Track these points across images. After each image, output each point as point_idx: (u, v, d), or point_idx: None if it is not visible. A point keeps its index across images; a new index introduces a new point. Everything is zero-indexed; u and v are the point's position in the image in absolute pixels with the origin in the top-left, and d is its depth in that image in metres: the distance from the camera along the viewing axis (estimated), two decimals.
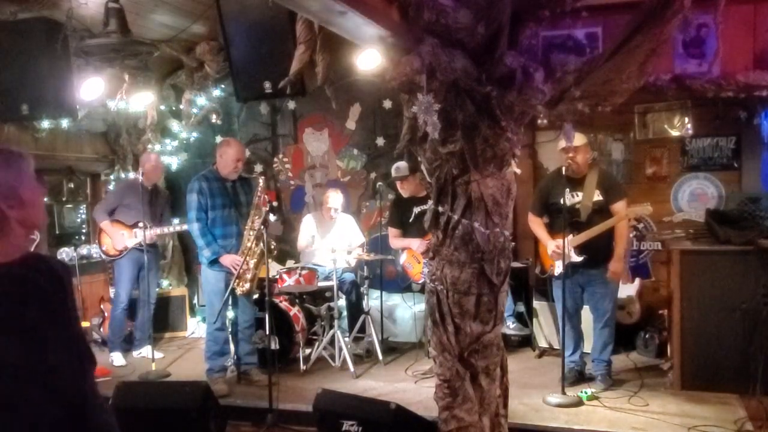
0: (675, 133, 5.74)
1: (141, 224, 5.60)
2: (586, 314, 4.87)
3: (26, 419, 1.59)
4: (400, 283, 5.75)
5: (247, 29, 5.33)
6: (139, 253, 5.64)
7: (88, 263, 5.90)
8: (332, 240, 5.76)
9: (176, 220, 6.07)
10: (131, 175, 5.91)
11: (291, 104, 6.81)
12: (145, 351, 5.74)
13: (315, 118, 6.81)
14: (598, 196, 4.61)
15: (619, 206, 4.58)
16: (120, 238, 5.65)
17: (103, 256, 5.88)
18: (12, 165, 1.64)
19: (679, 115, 5.69)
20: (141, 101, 6.22)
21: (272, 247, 4.68)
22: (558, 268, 4.67)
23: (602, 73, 2.99)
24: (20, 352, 1.57)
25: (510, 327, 5.57)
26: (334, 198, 5.87)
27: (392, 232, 5.61)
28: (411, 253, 5.43)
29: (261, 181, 4.92)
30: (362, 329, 5.54)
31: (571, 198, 4.61)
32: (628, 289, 5.37)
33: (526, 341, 5.73)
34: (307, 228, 5.99)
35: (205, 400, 3.86)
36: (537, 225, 4.92)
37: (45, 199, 6.23)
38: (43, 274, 1.65)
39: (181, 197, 5.19)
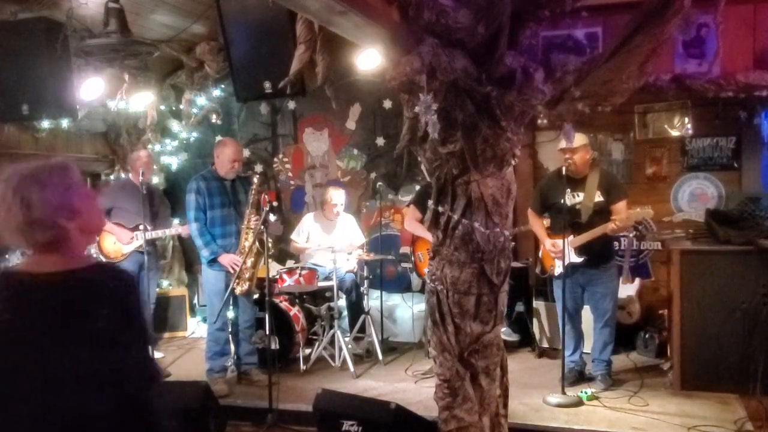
0: (675, 133, 5.74)
1: (141, 226, 5.58)
2: (587, 314, 4.87)
3: (88, 422, 1.61)
4: (403, 268, 5.59)
5: (247, 29, 5.32)
6: (139, 255, 5.63)
7: None
8: (334, 240, 5.74)
9: (176, 220, 6.05)
10: (130, 175, 5.85)
11: (291, 104, 6.82)
12: None
13: (315, 118, 6.82)
14: (599, 197, 4.60)
15: (620, 206, 4.57)
16: (125, 234, 5.59)
17: (104, 259, 5.83)
18: (58, 178, 1.66)
19: (679, 115, 5.69)
20: (141, 101, 6.21)
21: (269, 245, 4.65)
22: (558, 268, 4.68)
23: (602, 73, 2.99)
24: (89, 356, 1.59)
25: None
26: (337, 195, 5.80)
27: (414, 213, 5.37)
28: (427, 246, 5.34)
29: (256, 179, 4.91)
30: (362, 329, 5.54)
31: (572, 198, 4.61)
32: (628, 289, 5.37)
33: (522, 343, 5.67)
34: (304, 226, 5.95)
35: (205, 400, 3.86)
36: (536, 223, 4.92)
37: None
38: (110, 280, 1.68)
39: (181, 197, 5.19)
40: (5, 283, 1.64)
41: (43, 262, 1.65)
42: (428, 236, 5.14)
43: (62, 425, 1.59)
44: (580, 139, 4.54)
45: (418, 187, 6.04)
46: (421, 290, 6.02)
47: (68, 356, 1.58)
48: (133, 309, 1.69)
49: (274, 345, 4.57)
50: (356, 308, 5.67)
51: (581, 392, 4.41)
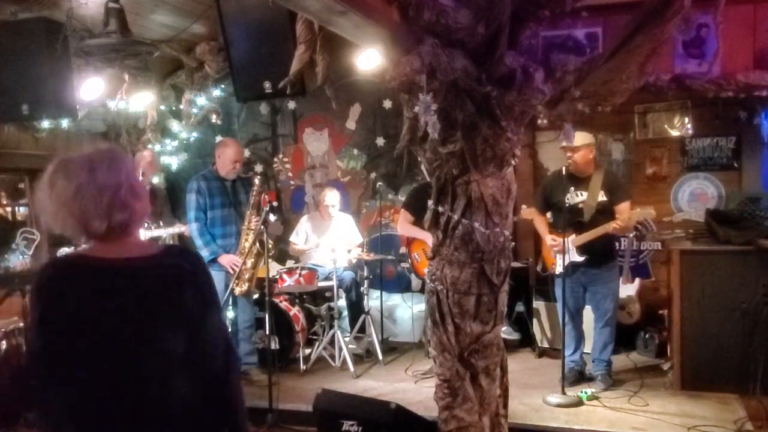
0: (675, 133, 5.74)
1: (145, 224, 5.58)
2: (587, 314, 4.87)
3: (173, 406, 1.62)
4: (403, 268, 5.58)
5: (247, 29, 5.32)
6: None
7: None
8: (331, 240, 5.74)
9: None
10: None
11: (291, 104, 6.81)
12: None
13: (315, 118, 6.81)
14: (602, 197, 4.60)
15: (623, 207, 4.57)
16: None
17: None
18: (122, 163, 1.67)
19: (679, 115, 5.69)
20: (141, 101, 6.21)
21: (269, 246, 4.65)
22: (559, 267, 4.67)
23: (602, 73, 2.99)
24: (182, 341, 1.61)
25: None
26: (332, 196, 5.84)
27: (406, 216, 5.40)
28: (422, 246, 5.35)
29: (257, 180, 4.91)
30: (362, 329, 5.54)
31: (574, 197, 4.61)
32: (628, 289, 5.37)
33: (522, 343, 5.66)
34: (302, 227, 5.97)
35: None
36: (538, 220, 4.92)
37: None
38: (188, 263, 1.72)
39: (181, 197, 5.19)
40: (80, 270, 1.59)
41: (116, 249, 1.62)
42: (423, 236, 5.24)
43: (148, 407, 1.60)
44: (583, 138, 4.54)
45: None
46: (421, 290, 6.01)
47: (156, 340, 1.59)
48: (211, 288, 1.76)
49: (274, 345, 4.57)
50: (356, 308, 5.67)
51: (581, 392, 4.41)
